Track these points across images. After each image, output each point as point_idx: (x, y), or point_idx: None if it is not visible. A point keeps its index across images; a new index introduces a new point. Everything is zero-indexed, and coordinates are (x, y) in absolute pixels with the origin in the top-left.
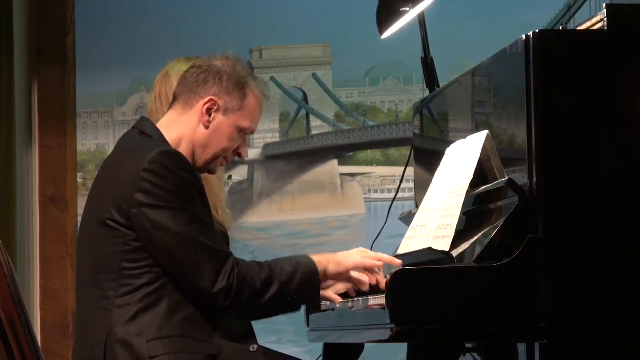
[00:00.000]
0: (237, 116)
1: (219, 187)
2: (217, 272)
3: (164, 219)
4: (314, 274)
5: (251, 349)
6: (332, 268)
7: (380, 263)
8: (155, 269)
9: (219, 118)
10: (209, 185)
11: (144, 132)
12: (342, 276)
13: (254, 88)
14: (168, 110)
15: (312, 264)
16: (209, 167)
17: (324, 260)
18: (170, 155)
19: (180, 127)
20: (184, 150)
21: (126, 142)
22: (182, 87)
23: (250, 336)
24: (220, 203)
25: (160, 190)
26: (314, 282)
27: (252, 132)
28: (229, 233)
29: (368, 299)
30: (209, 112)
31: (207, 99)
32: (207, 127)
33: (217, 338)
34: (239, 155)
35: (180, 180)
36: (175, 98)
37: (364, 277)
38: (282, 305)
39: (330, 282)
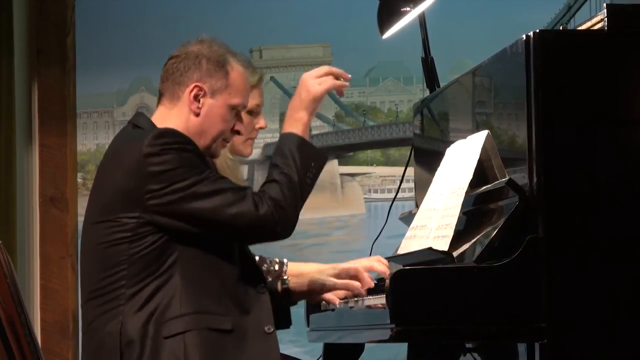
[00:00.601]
0: (226, 95)
1: (235, 178)
2: (255, 201)
3: (182, 192)
4: (304, 144)
5: (266, 330)
6: (304, 96)
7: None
8: (165, 252)
9: (208, 102)
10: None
11: (138, 125)
12: (317, 101)
13: (235, 63)
14: (157, 107)
15: (295, 136)
16: (210, 151)
17: (298, 118)
18: (164, 133)
19: (172, 121)
20: None
21: (120, 136)
22: (164, 81)
23: (267, 316)
24: None
25: (166, 170)
26: (309, 148)
27: (245, 107)
28: None
29: (368, 298)
30: (196, 98)
31: (191, 86)
32: (198, 115)
33: (233, 312)
34: (238, 132)
35: (180, 152)
36: (161, 94)
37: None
38: (312, 182)
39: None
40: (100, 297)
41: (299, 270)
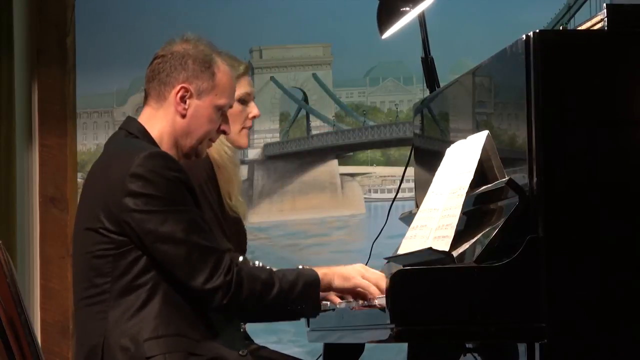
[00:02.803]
0: (212, 96)
1: (233, 172)
2: (212, 270)
3: (154, 224)
4: (315, 285)
5: (241, 353)
6: (338, 282)
7: (378, 293)
8: (149, 269)
9: (194, 103)
10: (222, 170)
11: (130, 132)
12: (347, 290)
13: (221, 63)
14: (143, 107)
15: (315, 275)
16: (196, 152)
17: (330, 273)
18: (156, 156)
19: (159, 122)
20: (167, 143)
21: (112, 144)
22: (150, 81)
23: (239, 339)
24: (234, 190)
25: (148, 194)
26: (314, 294)
27: (231, 107)
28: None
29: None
30: (182, 99)
31: (178, 87)
32: (184, 116)
33: (209, 339)
34: (224, 132)
35: (167, 182)
36: (147, 94)
37: (371, 288)
38: (281, 313)
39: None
40: (87, 307)
41: None
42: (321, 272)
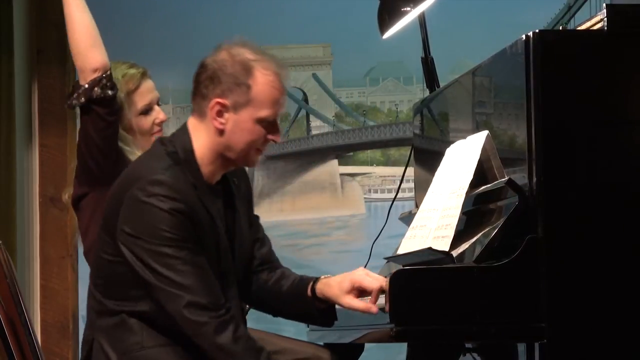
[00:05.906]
0: (250, 109)
1: None
2: (216, 327)
3: (141, 253)
4: None
5: None
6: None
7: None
8: (136, 288)
9: (232, 118)
10: None
11: (172, 151)
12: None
13: (259, 73)
14: (190, 115)
15: None
16: (245, 161)
17: None
18: (159, 184)
19: (202, 135)
20: (211, 156)
21: (144, 155)
22: (193, 94)
23: None
24: None
25: (138, 222)
26: None
27: (276, 117)
28: None
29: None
30: (219, 114)
31: (212, 102)
32: (222, 131)
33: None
34: (273, 141)
35: (161, 212)
36: (193, 102)
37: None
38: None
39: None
40: (89, 304)
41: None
42: None
